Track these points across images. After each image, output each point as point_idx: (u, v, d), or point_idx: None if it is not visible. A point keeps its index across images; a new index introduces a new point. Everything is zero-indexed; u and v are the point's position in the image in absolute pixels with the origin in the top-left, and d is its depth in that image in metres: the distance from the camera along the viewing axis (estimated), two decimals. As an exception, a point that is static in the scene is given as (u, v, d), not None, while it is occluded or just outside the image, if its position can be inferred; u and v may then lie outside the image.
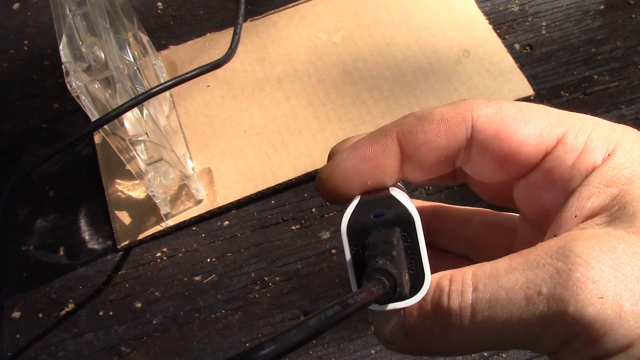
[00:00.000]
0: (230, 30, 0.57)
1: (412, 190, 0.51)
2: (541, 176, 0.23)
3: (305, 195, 0.52)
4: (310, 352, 0.45)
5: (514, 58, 0.56)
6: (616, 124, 0.23)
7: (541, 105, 0.24)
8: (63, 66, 0.41)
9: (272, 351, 0.16)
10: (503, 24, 0.59)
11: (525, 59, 0.57)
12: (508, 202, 0.27)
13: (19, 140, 0.59)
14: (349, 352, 0.45)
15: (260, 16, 0.62)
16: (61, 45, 0.42)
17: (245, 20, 0.61)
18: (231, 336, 0.47)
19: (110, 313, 0.49)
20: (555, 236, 0.21)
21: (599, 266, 0.19)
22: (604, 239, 0.20)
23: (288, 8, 0.62)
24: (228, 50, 0.48)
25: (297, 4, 0.62)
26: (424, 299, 0.22)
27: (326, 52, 0.59)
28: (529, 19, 0.59)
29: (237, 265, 0.50)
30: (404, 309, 0.23)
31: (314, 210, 0.51)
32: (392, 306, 0.22)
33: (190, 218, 0.52)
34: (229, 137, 0.55)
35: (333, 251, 0.49)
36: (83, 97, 0.41)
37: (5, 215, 0.40)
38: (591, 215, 0.21)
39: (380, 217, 0.22)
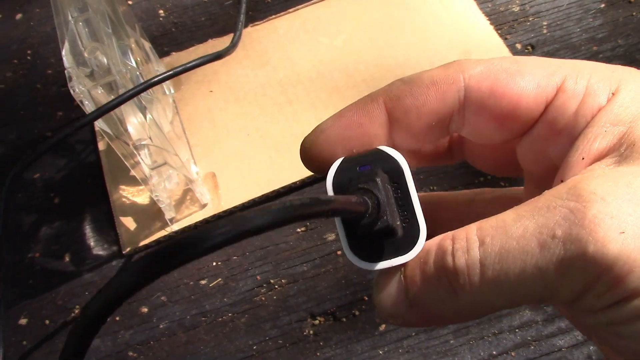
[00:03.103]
0: (232, 36, 0.58)
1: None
2: (544, 129, 0.22)
3: (310, 197, 0.52)
4: (318, 354, 0.45)
5: (516, 57, 0.56)
6: (615, 65, 0.22)
7: (535, 57, 0.22)
8: (66, 71, 0.41)
9: (228, 232, 0.15)
10: (504, 24, 0.59)
11: (527, 58, 0.57)
12: (511, 169, 0.26)
13: (24, 149, 0.59)
14: (356, 353, 0.45)
15: (262, 21, 0.62)
16: (64, 51, 0.42)
17: (246, 26, 0.61)
18: (238, 339, 0.47)
19: (117, 318, 0.49)
20: (562, 182, 0.20)
21: (616, 201, 0.17)
22: (617, 174, 0.18)
23: (289, 13, 0.63)
24: (230, 44, 0.48)
25: (298, 9, 0.63)
26: (425, 262, 0.20)
27: (328, 56, 0.59)
28: (530, 19, 0.59)
29: (243, 268, 0.50)
30: (404, 275, 0.21)
31: (318, 212, 0.51)
32: (386, 263, 0.21)
33: (195, 222, 0.52)
34: (233, 141, 0.55)
35: (338, 252, 0.49)
36: (86, 102, 0.42)
37: (6, 209, 0.40)
38: (599, 157, 0.20)
39: (366, 170, 0.21)
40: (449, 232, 0.20)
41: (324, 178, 0.56)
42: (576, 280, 0.18)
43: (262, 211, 0.16)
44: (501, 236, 0.19)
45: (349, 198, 0.19)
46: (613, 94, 0.21)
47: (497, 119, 0.22)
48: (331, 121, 0.23)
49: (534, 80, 0.21)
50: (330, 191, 0.22)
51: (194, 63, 0.45)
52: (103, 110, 0.39)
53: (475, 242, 0.19)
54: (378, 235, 0.21)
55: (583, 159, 0.20)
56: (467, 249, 0.19)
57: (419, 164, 0.28)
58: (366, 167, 0.21)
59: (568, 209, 0.18)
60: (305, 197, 0.18)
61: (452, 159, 0.28)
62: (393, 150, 0.22)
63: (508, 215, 0.19)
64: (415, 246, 0.21)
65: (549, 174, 0.23)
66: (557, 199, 0.18)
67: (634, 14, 0.58)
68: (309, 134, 0.24)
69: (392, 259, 0.21)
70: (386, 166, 0.21)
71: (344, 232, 0.21)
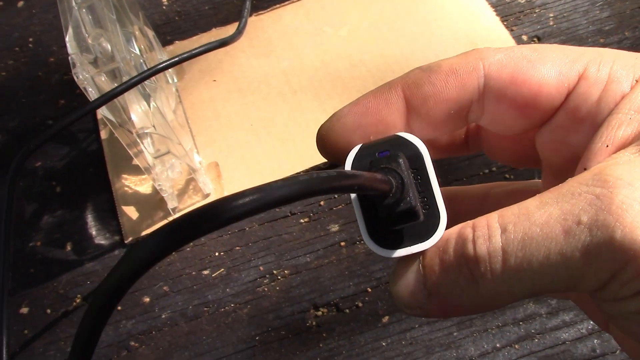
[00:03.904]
0: (236, 25, 0.57)
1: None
2: (566, 117, 0.22)
3: (313, 188, 0.52)
4: (321, 345, 0.45)
5: (522, 49, 0.56)
6: (638, 53, 0.21)
7: (555, 44, 0.22)
8: (70, 58, 0.41)
9: (253, 201, 0.15)
10: (510, 15, 0.59)
11: (533, 50, 0.56)
12: (529, 160, 0.25)
13: (25, 137, 0.59)
14: (359, 345, 0.45)
15: (266, 10, 0.62)
16: (67, 37, 0.42)
17: (250, 15, 0.61)
18: (240, 330, 0.47)
19: (119, 308, 0.49)
20: (585, 169, 0.19)
21: None
22: None
23: (293, 2, 0.62)
24: (235, 31, 0.47)
25: (303, -2, 0.62)
26: (444, 250, 0.20)
27: (332, 46, 0.59)
28: (537, 11, 0.59)
29: (246, 258, 0.49)
30: (422, 264, 0.20)
31: (322, 203, 0.51)
32: (405, 250, 0.20)
33: (198, 212, 0.51)
34: (236, 131, 0.55)
35: (342, 244, 0.49)
36: (90, 89, 0.41)
37: (10, 197, 0.39)
38: (624, 145, 0.19)
39: (386, 155, 0.21)
40: (469, 221, 0.20)
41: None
42: (603, 268, 0.17)
43: (289, 181, 0.16)
44: (524, 223, 0.18)
45: (374, 175, 0.19)
46: (637, 81, 0.20)
47: (517, 107, 0.22)
48: (348, 108, 0.23)
49: (555, 67, 0.21)
50: None
51: (199, 49, 0.44)
52: (108, 97, 0.39)
53: (497, 230, 0.19)
54: (400, 217, 0.20)
55: (607, 146, 0.20)
56: (488, 237, 0.19)
57: (435, 155, 0.28)
58: (385, 152, 0.21)
59: (594, 194, 0.17)
60: (330, 170, 0.17)
61: (469, 150, 0.28)
62: (412, 136, 0.21)
63: (531, 203, 0.19)
64: (436, 232, 0.20)
65: (569, 164, 0.22)
66: (581, 185, 0.18)
67: (642, 6, 0.58)
68: (326, 121, 0.23)
69: (412, 246, 0.20)
70: (406, 152, 0.21)
71: (362, 217, 0.21)
